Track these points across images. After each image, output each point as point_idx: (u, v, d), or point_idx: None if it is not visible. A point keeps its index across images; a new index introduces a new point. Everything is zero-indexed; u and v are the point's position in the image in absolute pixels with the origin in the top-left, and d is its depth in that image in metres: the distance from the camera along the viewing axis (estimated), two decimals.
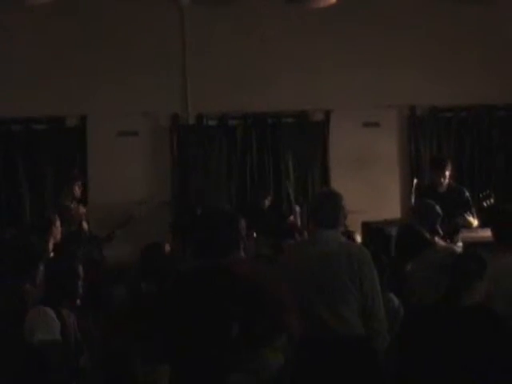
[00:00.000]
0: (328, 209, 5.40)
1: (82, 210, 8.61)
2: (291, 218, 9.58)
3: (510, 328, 4.67)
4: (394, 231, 8.16)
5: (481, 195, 8.65)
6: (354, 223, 7.85)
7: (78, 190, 8.82)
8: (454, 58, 10.28)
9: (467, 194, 8.61)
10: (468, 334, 4.55)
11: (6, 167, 9.62)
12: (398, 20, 10.18)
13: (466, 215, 8.20)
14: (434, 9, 10.20)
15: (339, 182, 9.81)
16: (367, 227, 8.65)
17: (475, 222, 8.32)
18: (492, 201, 8.50)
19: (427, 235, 6.33)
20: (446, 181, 8.72)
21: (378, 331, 5.03)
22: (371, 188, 10.16)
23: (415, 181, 9.17)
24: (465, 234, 7.99)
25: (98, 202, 9.43)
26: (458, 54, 10.32)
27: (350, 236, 6.83)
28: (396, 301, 5.86)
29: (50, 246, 7.31)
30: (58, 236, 7.71)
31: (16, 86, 9.35)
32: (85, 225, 8.48)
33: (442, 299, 4.93)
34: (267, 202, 9.47)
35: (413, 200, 8.88)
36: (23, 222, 9.19)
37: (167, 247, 6.61)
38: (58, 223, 7.71)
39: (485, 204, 8.43)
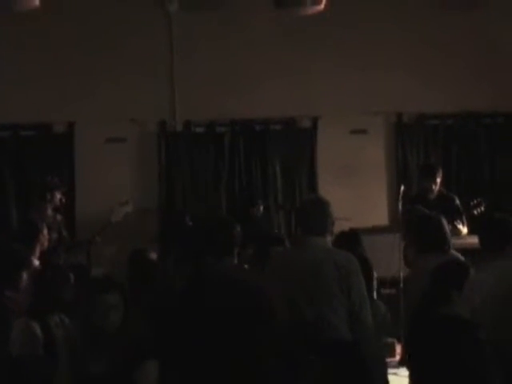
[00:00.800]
0: (316, 216, 5.43)
1: (59, 217, 8.60)
2: None
3: (482, 341, 4.69)
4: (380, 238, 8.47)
5: (471, 203, 8.70)
6: (342, 229, 7.65)
7: (57, 199, 8.68)
8: (442, 65, 10.33)
9: (457, 201, 8.71)
10: (440, 344, 4.59)
11: None
12: (386, 27, 10.22)
13: (456, 223, 8.20)
14: (422, 16, 10.25)
15: (327, 188, 9.81)
16: None
17: (465, 230, 8.45)
18: (483, 209, 8.58)
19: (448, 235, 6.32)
20: (437, 188, 8.84)
21: (365, 337, 5.08)
22: (358, 195, 10.18)
23: (402, 188, 9.14)
24: (453, 241, 8.05)
25: (86, 208, 9.46)
26: (446, 61, 10.36)
27: (354, 239, 6.89)
28: (383, 307, 6.07)
29: (37, 253, 7.26)
30: (46, 244, 7.72)
31: (3, 92, 9.36)
32: (64, 233, 8.50)
33: (419, 307, 5.07)
34: (259, 213, 9.51)
35: (400, 207, 8.88)
36: (10, 229, 9.06)
37: (153, 255, 6.64)
38: (45, 231, 7.72)
39: (475, 212, 8.50)
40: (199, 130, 10.10)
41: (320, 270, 5.28)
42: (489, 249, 5.69)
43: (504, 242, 5.61)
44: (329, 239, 5.54)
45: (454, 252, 6.43)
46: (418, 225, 6.48)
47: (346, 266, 5.31)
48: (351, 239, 6.79)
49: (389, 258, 7.84)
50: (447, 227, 6.28)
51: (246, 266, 7.39)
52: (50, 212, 8.45)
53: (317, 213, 5.48)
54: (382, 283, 7.24)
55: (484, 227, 5.99)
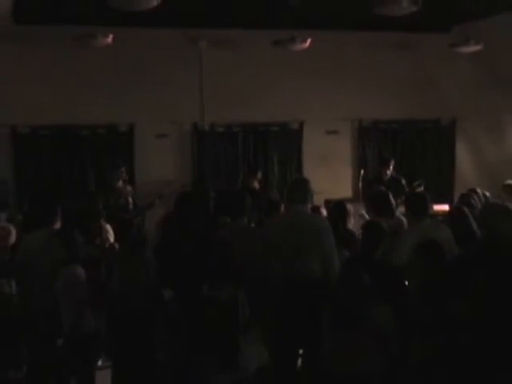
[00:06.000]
0: (299, 190, 5.49)
1: (129, 188, 8.80)
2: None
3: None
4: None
5: (414, 184, 8.80)
6: (319, 200, 8.04)
7: (123, 174, 8.73)
8: (390, 87, 10.70)
9: (403, 182, 8.93)
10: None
11: (76, 161, 9.77)
12: (351, 61, 10.46)
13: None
14: (377, 53, 10.50)
15: (309, 172, 10.03)
16: (328, 203, 8.31)
17: None
18: (422, 188, 8.62)
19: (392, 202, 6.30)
20: (390, 173, 9.06)
21: (333, 276, 5.13)
22: (331, 176, 10.39)
23: (362, 172, 9.63)
24: (401, 209, 7.38)
25: (142, 184, 9.62)
26: (393, 85, 10.73)
27: (317, 210, 6.87)
28: (348, 255, 5.87)
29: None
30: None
31: (85, 103, 9.47)
32: (130, 199, 8.59)
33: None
34: (256, 184, 9.31)
35: (360, 185, 9.31)
36: (88, 197, 9.08)
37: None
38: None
39: (418, 190, 8.49)
40: (220, 129, 10.29)
41: (302, 229, 5.30)
42: (415, 215, 5.85)
43: (425, 211, 5.86)
44: (309, 207, 5.55)
45: (399, 216, 6.52)
46: (374, 199, 6.55)
47: (321, 227, 5.36)
48: (341, 208, 6.60)
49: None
50: (393, 200, 6.39)
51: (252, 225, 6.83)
52: (120, 184, 8.64)
53: (299, 188, 5.51)
54: None
55: (411, 200, 6.05)
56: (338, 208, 6.56)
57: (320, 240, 5.29)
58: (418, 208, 5.88)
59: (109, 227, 6.75)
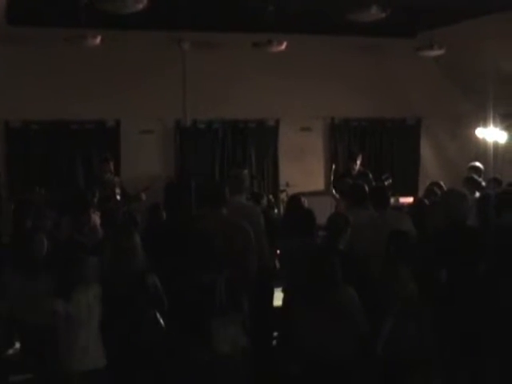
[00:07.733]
0: (237, 182, 5.96)
1: (117, 179, 8.94)
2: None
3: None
4: (317, 198, 8.27)
5: (382, 177, 8.99)
6: (294, 192, 8.28)
7: (111, 167, 8.86)
8: (360, 88, 10.77)
9: (370, 176, 8.91)
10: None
11: (66, 154, 9.83)
12: (324, 63, 10.57)
13: None
14: (348, 56, 10.66)
15: (285, 166, 10.68)
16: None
17: None
18: (390, 181, 8.82)
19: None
20: (357, 167, 9.33)
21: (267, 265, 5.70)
22: (305, 170, 10.66)
23: (333, 166, 9.85)
24: None
25: (128, 176, 9.57)
26: (363, 86, 10.79)
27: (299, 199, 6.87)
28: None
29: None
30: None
31: (75, 101, 9.51)
32: (117, 190, 8.69)
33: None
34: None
35: (332, 179, 9.50)
36: (76, 186, 9.54)
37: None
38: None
39: (386, 183, 8.62)
40: (201, 126, 10.45)
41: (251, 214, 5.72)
42: (375, 207, 5.96)
43: (387, 203, 6.05)
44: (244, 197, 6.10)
45: (371, 207, 6.30)
46: (350, 190, 6.54)
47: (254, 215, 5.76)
48: (296, 200, 6.86)
49: (323, 211, 7.08)
50: (367, 192, 6.30)
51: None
52: (108, 175, 8.78)
53: (237, 181, 5.95)
54: (318, 228, 6.43)
55: (372, 194, 6.19)
56: (292, 201, 6.82)
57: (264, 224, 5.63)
58: (379, 200, 6.00)
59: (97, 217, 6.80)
